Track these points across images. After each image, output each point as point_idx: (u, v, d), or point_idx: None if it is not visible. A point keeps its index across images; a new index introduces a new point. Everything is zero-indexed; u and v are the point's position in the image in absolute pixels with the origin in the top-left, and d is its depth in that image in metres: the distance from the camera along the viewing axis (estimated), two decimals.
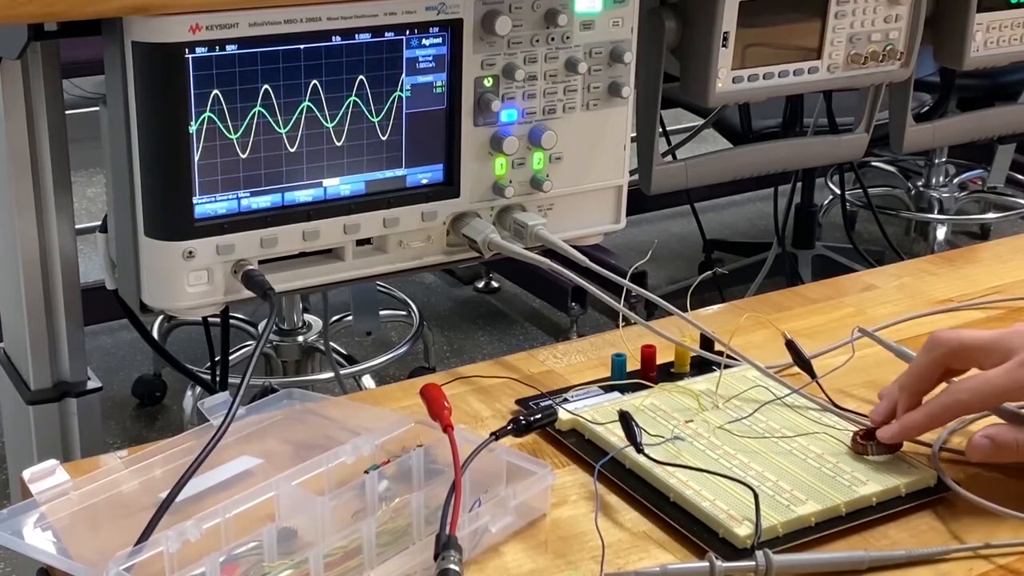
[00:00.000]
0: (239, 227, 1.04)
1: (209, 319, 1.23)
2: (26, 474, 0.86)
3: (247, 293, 1.04)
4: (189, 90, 0.99)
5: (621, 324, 1.06)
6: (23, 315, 1.15)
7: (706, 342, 1.06)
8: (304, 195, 1.07)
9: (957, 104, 2.83)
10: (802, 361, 1.02)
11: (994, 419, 0.96)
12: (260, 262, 1.06)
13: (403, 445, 0.91)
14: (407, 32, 1.06)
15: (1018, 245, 1.36)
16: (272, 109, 1.03)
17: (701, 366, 1.05)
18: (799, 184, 2.99)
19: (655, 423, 0.96)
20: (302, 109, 1.04)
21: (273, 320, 1.01)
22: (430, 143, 1.11)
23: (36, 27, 1.02)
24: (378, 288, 2.86)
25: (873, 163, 3.55)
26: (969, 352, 0.91)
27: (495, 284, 3.28)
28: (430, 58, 1.08)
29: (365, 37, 1.05)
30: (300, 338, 2.60)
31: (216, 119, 1.01)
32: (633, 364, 1.04)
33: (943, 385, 0.92)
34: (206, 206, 1.03)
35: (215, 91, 1.00)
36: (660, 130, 1.33)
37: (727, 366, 1.03)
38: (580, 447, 0.95)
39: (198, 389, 2.48)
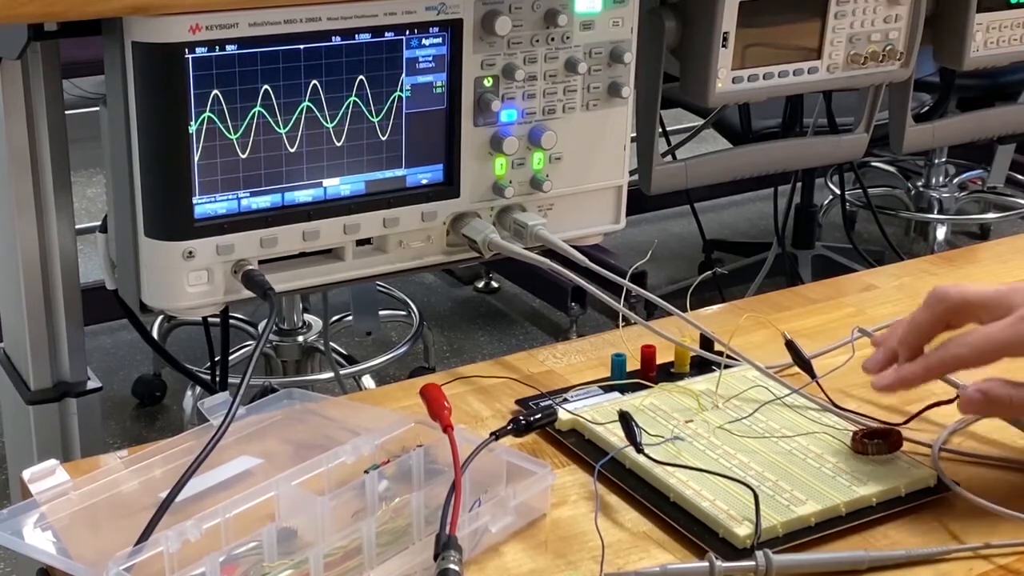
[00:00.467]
0: (239, 227, 1.04)
1: (209, 319, 1.23)
2: (26, 474, 0.86)
3: (247, 293, 1.04)
4: (189, 90, 0.99)
5: (621, 324, 1.06)
6: (23, 315, 1.15)
7: (706, 342, 1.06)
8: (304, 195, 1.07)
9: (957, 104, 2.83)
10: (802, 361, 1.02)
11: (998, 420, 0.96)
12: (260, 262, 1.06)
13: (403, 445, 0.91)
14: (407, 32, 1.06)
15: (1018, 245, 1.36)
16: (272, 109, 1.03)
17: (701, 366, 1.05)
18: (799, 184, 2.99)
19: (655, 423, 0.96)
20: (302, 109, 1.04)
21: (273, 320, 1.01)
22: (430, 143, 1.11)
23: (36, 27, 1.02)
24: (378, 288, 2.86)
25: (873, 163, 3.55)
26: (970, 308, 0.90)
27: (495, 284, 3.28)
28: (430, 58, 1.08)
29: (365, 37, 1.05)
30: (300, 338, 2.60)
31: (216, 119, 1.01)
32: (633, 364, 1.04)
33: (942, 337, 0.92)
34: (206, 206, 1.03)
35: (215, 91, 1.00)
36: (660, 130, 1.33)
37: (727, 366, 1.03)
38: (580, 447, 0.95)
39: (198, 389, 2.48)
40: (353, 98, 1.06)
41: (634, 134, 1.24)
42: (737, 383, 1.01)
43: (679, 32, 1.28)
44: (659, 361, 1.04)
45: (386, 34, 1.05)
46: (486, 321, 3.13)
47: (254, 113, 1.02)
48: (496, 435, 0.88)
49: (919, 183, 3.49)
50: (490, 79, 1.11)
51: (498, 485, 0.87)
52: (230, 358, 1.40)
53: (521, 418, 0.91)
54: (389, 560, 0.79)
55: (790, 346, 1.02)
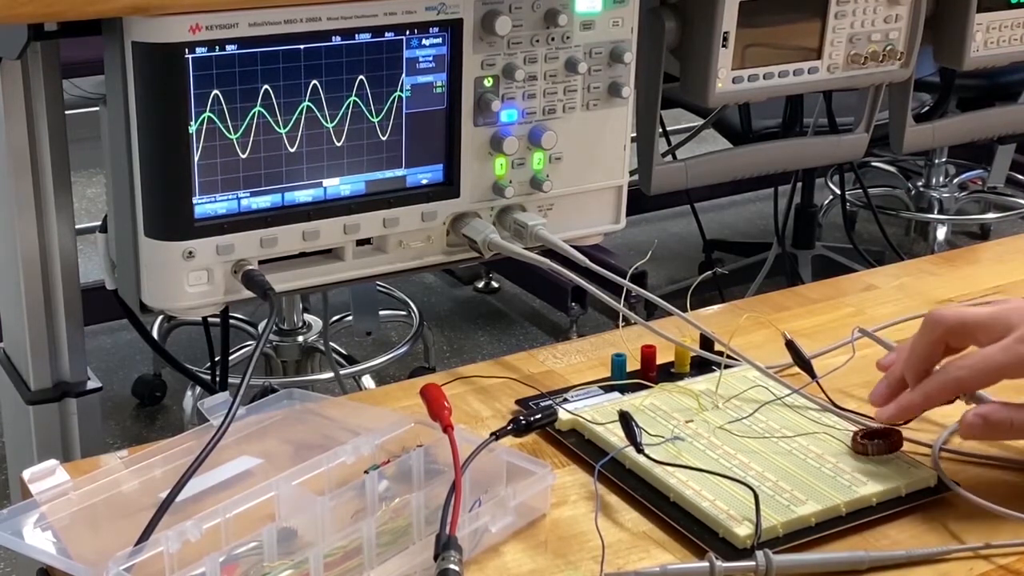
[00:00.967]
0: (239, 227, 1.04)
1: (209, 319, 1.23)
2: (26, 474, 0.86)
3: (247, 293, 1.04)
4: (189, 90, 0.99)
5: (621, 324, 1.06)
6: (23, 315, 1.15)
7: (706, 342, 1.06)
8: (304, 195, 1.07)
9: (957, 104, 2.83)
10: (802, 361, 1.02)
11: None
12: (260, 262, 1.06)
13: (403, 445, 0.91)
14: (407, 32, 1.06)
15: (1018, 245, 1.36)
16: (272, 109, 1.03)
17: (701, 366, 1.05)
18: (799, 184, 2.99)
19: (655, 423, 0.96)
20: (302, 109, 1.04)
21: (273, 320, 1.01)
22: (430, 143, 1.11)
23: (36, 27, 1.02)
24: (378, 288, 2.86)
25: (873, 163, 3.55)
26: (968, 330, 0.90)
27: (495, 284, 3.28)
28: (430, 58, 1.08)
29: (365, 37, 1.05)
30: (300, 338, 2.60)
31: (216, 119, 1.01)
32: (633, 364, 1.04)
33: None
34: (206, 206, 1.03)
35: (215, 91, 1.00)
36: (660, 130, 1.33)
37: (727, 366, 1.03)
38: (580, 447, 0.95)
39: (198, 389, 2.48)
40: (353, 98, 1.06)
41: (634, 134, 1.24)
42: (737, 383, 1.01)
43: (679, 32, 1.28)
44: (659, 361, 1.04)
45: (386, 34, 1.05)
46: (486, 321, 3.13)
47: (254, 113, 1.02)
48: (496, 435, 0.88)
49: (919, 183, 3.49)
50: (490, 79, 1.11)
51: (498, 485, 0.87)
52: (230, 358, 1.40)
53: (521, 418, 0.91)
54: (389, 560, 0.79)
55: (790, 346, 1.02)
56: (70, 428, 1.19)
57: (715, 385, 1.00)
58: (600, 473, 0.89)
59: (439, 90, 1.09)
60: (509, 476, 0.87)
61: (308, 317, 2.64)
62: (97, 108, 1.05)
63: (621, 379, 1.02)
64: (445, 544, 0.77)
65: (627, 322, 1.06)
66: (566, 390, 1.02)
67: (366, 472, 0.87)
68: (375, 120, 1.08)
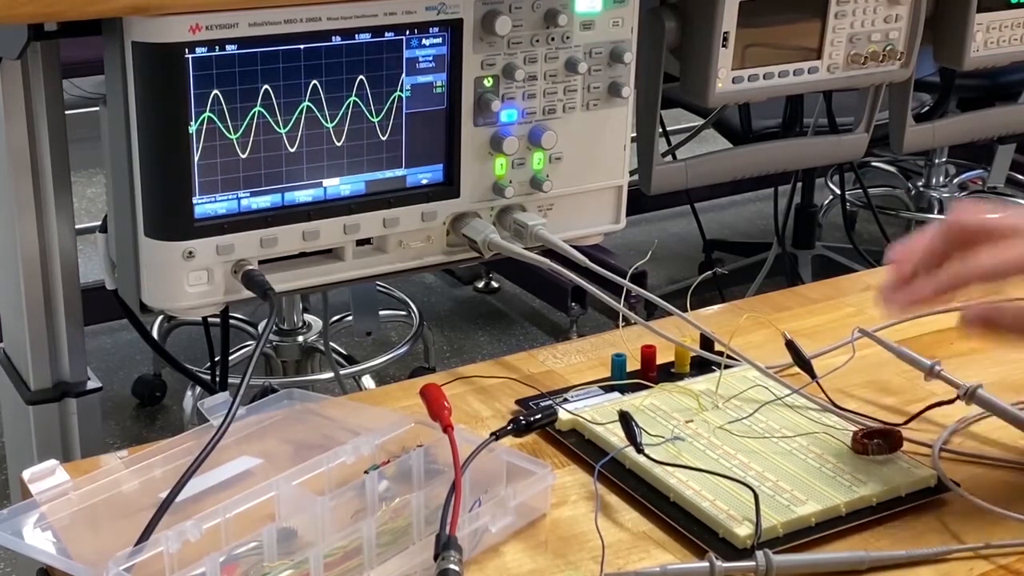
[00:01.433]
0: (239, 227, 1.04)
1: (209, 319, 1.23)
2: (26, 474, 0.86)
3: (247, 293, 1.04)
4: (189, 90, 0.99)
5: (621, 324, 1.06)
6: (23, 315, 1.15)
7: (706, 342, 1.06)
8: (304, 195, 1.07)
9: (957, 104, 2.82)
10: (802, 361, 1.02)
11: (998, 420, 0.96)
12: (260, 262, 1.06)
13: (403, 445, 0.91)
14: (407, 32, 1.06)
15: None
16: (272, 109, 1.03)
17: (701, 366, 1.05)
18: (799, 184, 2.99)
19: (655, 423, 0.95)
20: (302, 109, 1.04)
21: (273, 320, 1.01)
22: (430, 143, 1.11)
23: (36, 27, 1.02)
24: (378, 288, 2.86)
25: (873, 163, 3.55)
26: (988, 233, 0.87)
27: (495, 284, 3.28)
28: (430, 58, 1.08)
29: (365, 37, 1.05)
30: (300, 338, 2.60)
31: (216, 119, 1.01)
32: (633, 364, 1.04)
33: None
34: (206, 206, 1.03)
35: (215, 91, 1.00)
36: (660, 130, 1.33)
37: (727, 366, 1.03)
38: (580, 447, 0.95)
39: (198, 389, 2.48)
40: (353, 98, 1.06)
41: (634, 134, 1.24)
42: (737, 383, 1.01)
43: (679, 32, 1.28)
44: (659, 361, 1.04)
45: (386, 34, 1.05)
46: (486, 321, 3.13)
47: (254, 113, 1.02)
48: (496, 435, 0.88)
49: (919, 183, 3.49)
50: (490, 79, 1.11)
51: (498, 485, 0.87)
52: (230, 358, 1.40)
53: (521, 418, 0.91)
54: (389, 560, 0.79)
55: (790, 346, 1.02)
56: (70, 428, 1.20)
57: (715, 385, 1.00)
58: (600, 473, 0.89)
59: (439, 90, 1.09)
60: (509, 476, 0.87)
61: (308, 317, 2.64)
62: (97, 108, 1.05)
63: (621, 379, 1.02)
64: (445, 544, 0.77)
65: (627, 322, 1.06)
66: (566, 390, 1.02)
67: (366, 472, 0.87)
68: (375, 120, 1.08)
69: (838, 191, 3.01)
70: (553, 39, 1.12)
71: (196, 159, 1.01)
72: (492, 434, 0.88)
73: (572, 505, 0.89)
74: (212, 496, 0.86)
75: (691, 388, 1.00)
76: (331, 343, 2.59)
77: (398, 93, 1.08)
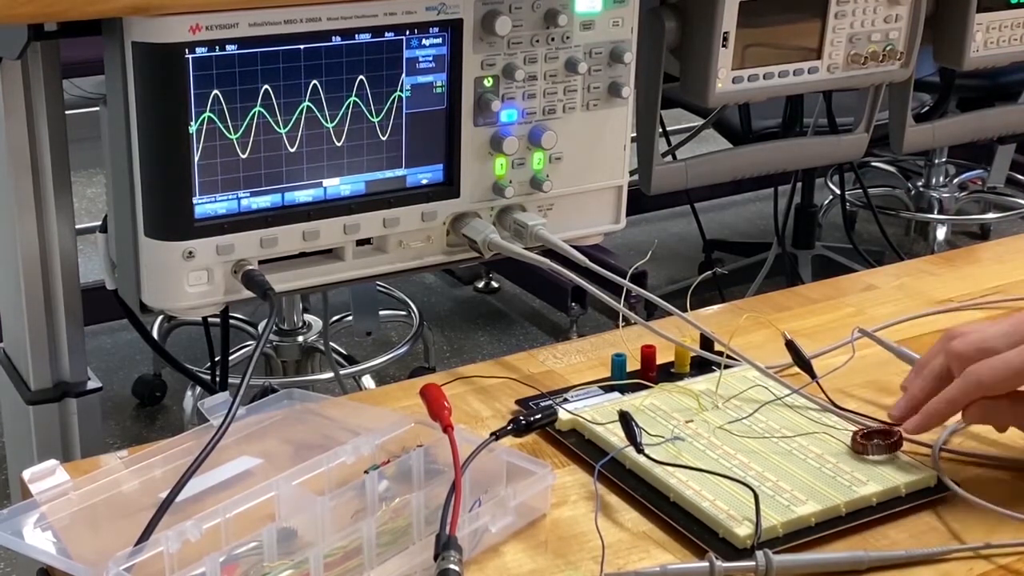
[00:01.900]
0: (239, 227, 1.04)
1: (209, 319, 1.23)
2: (26, 474, 0.86)
3: (247, 293, 1.04)
4: (189, 90, 0.99)
5: (621, 324, 1.06)
6: (23, 315, 1.15)
7: (706, 342, 1.06)
8: (304, 195, 1.07)
9: (957, 104, 2.83)
10: (802, 361, 1.02)
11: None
12: (260, 262, 1.06)
13: (403, 445, 0.91)
14: (407, 32, 1.06)
15: (1018, 245, 1.36)
16: (272, 109, 1.03)
17: (701, 366, 1.05)
18: (799, 184, 2.99)
19: (655, 423, 0.95)
20: (302, 109, 1.04)
21: (273, 320, 1.01)
22: (430, 143, 1.11)
23: (36, 27, 1.02)
24: (378, 288, 2.86)
25: (873, 163, 3.55)
26: (987, 350, 0.90)
27: (495, 284, 3.28)
28: (430, 58, 1.08)
29: (365, 37, 1.05)
30: (300, 338, 2.60)
31: (216, 119, 1.01)
32: (633, 364, 1.04)
33: None
34: (206, 206, 1.03)
35: (215, 91, 1.00)
36: (660, 130, 1.33)
37: (727, 366, 1.03)
38: (580, 447, 0.95)
39: (198, 389, 2.48)
40: (353, 98, 1.06)
41: (634, 134, 1.24)
42: (737, 383, 1.01)
43: (679, 32, 1.28)
44: (659, 361, 1.04)
45: (386, 34, 1.05)
46: (486, 321, 3.13)
47: (254, 113, 1.02)
48: (496, 435, 0.88)
49: (919, 183, 3.49)
50: (490, 79, 1.11)
51: (498, 485, 0.87)
52: (230, 358, 1.41)
53: (521, 418, 0.91)
54: (389, 560, 0.79)
55: (790, 346, 1.02)
56: (70, 428, 1.20)
57: (715, 385, 1.00)
58: (600, 473, 0.89)
59: (439, 90, 1.09)
60: (509, 476, 0.87)
61: (308, 317, 2.64)
62: (97, 108, 1.05)
63: (621, 379, 1.02)
64: (445, 544, 0.77)
65: (627, 322, 1.06)
66: (566, 390, 1.02)
67: (366, 472, 0.87)
68: (375, 120, 1.08)
69: (838, 191, 3.01)
70: (553, 39, 1.12)
71: (196, 159, 1.01)
72: (492, 434, 0.88)
73: (572, 505, 0.89)
74: (212, 496, 0.86)
75: (691, 388, 1.00)
76: (331, 343, 2.59)
77: (398, 93, 1.08)
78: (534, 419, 0.91)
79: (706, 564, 0.80)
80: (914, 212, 3.49)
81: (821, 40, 1.31)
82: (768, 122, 2.75)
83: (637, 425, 0.90)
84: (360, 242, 1.11)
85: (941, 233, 3.48)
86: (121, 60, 0.99)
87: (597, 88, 1.16)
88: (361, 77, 1.06)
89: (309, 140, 1.05)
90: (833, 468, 0.90)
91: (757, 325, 1.13)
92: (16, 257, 1.14)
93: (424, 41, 1.07)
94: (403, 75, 1.07)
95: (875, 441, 0.92)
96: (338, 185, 1.08)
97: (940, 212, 3.46)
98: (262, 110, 1.03)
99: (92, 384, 1.20)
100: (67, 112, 1.12)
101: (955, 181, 3.52)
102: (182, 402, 2.62)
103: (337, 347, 2.71)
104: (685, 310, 1.04)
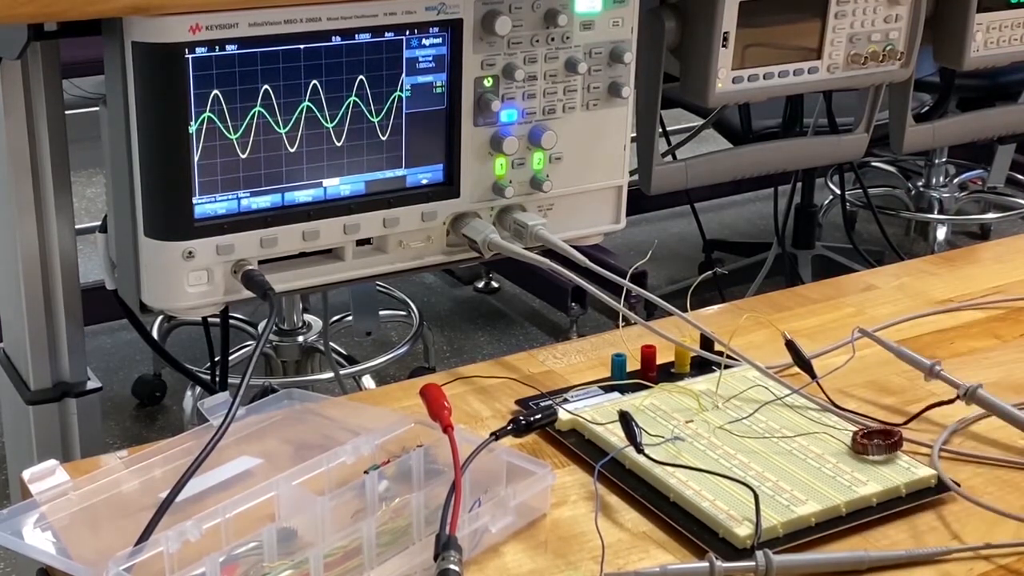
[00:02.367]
0: (239, 227, 1.04)
1: (209, 319, 1.23)
2: (26, 474, 0.86)
3: (247, 293, 1.04)
4: (189, 90, 0.99)
5: (621, 324, 1.06)
6: (23, 315, 1.15)
7: (706, 342, 1.06)
8: (304, 195, 1.07)
9: (957, 104, 2.82)
10: (802, 361, 1.02)
11: (998, 420, 0.96)
12: (260, 262, 1.06)
13: (403, 445, 0.91)
14: (407, 32, 1.06)
15: (1018, 245, 1.36)
16: (272, 109, 1.03)
17: (701, 366, 1.05)
18: (799, 184, 2.99)
19: (655, 423, 0.96)
20: (302, 109, 1.04)
21: (273, 320, 1.01)
22: (430, 143, 1.11)
23: (36, 27, 1.02)
24: (378, 288, 2.86)
25: (873, 163, 3.55)
26: None
27: (495, 284, 3.28)
28: (430, 58, 1.08)
29: (365, 37, 1.05)
30: (300, 338, 2.60)
31: (216, 119, 1.01)
32: (633, 364, 1.04)
33: None
34: (206, 206, 1.03)
35: (215, 91, 1.00)
36: (660, 130, 1.33)
37: (727, 366, 1.03)
38: (580, 447, 0.95)
39: (198, 389, 2.48)
40: (353, 98, 1.06)
41: (634, 134, 1.24)
42: (737, 383, 1.01)
43: (679, 32, 1.28)
44: (659, 361, 1.04)
45: (386, 34, 1.05)
46: (486, 321, 3.13)
47: (254, 113, 1.02)
48: (496, 435, 0.88)
49: (919, 183, 3.49)
50: (490, 79, 1.11)
51: (498, 485, 0.87)
52: (230, 358, 1.40)
53: (521, 418, 0.91)
54: (389, 560, 0.79)
55: (790, 346, 1.02)
56: (70, 428, 1.20)
57: (715, 385, 1.00)
58: (600, 473, 0.89)
59: (439, 90, 1.09)
60: (509, 476, 0.87)
61: (308, 317, 2.64)
62: (97, 108, 1.05)
63: (621, 379, 1.02)
64: (445, 544, 0.77)
65: (627, 322, 1.06)
66: (566, 390, 1.02)
67: (366, 472, 0.87)
68: (375, 120, 1.08)
69: (838, 191, 3.01)
70: (553, 39, 1.12)
71: (196, 159, 1.01)
72: (492, 434, 0.88)
73: (572, 505, 0.89)
74: (212, 496, 0.86)
75: (691, 388, 1.00)
76: (331, 343, 2.59)
77: (398, 93, 1.08)
78: (534, 419, 0.91)
79: (706, 564, 0.80)
80: (914, 212, 3.49)
81: (821, 40, 1.31)
82: (768, 122, 2.74)
83: (637, 425, 0.90)
84: (360, 242, 1.11)
85: (941, 233, 3.47)
86: (121, 60, 0.99)
87: (597, 88, 1.16)
88: (361, 77, 1.06)
89: (309, 140, 1.05)
90: (833, 468, 0.90)
91: (757, 325, 1.13)
92: (16, 257, 1.14)
93: (424, 41, 1.07)
94: (403, 75, 1.07)
95: (875, 441, 0.92)
96: (338, 185, 1.08)
97: (940, 212, 3.45)
98: (262, 110, 1.03)
99: (92, 384, 1.20)
100: (67, 112, 1.12)
101: (955, 181, 3.52)
102: (182, 402, 2.62)
103: (337, 347, 2.71)
104: (685, 310, 1.04)
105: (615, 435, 0.92)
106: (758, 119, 2.74)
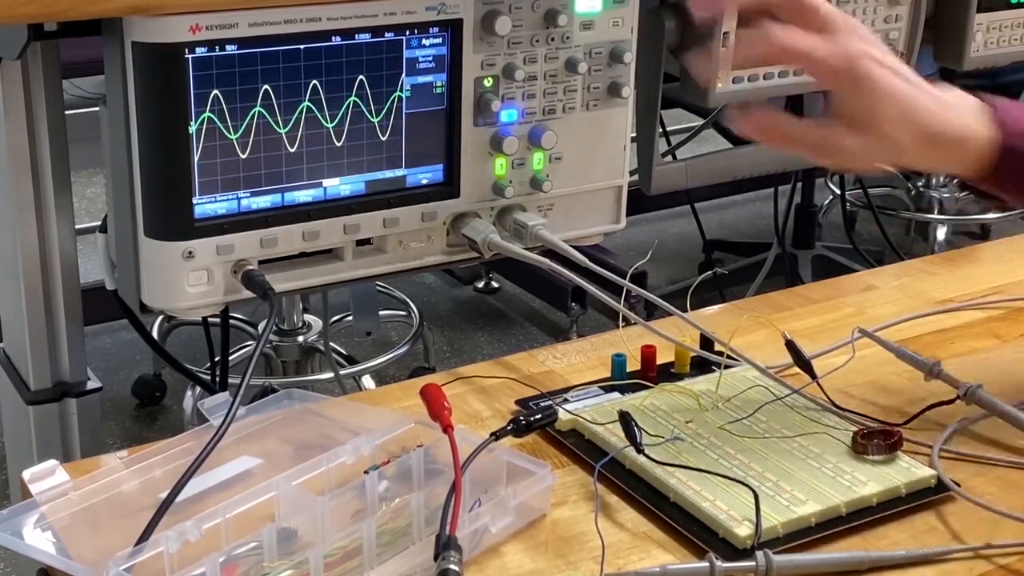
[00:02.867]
0: (239, 227, 1.04)
1: (209, 319, 1.23)
2: (26, 474, 0.86)
3: (247, 293, 1.04)
4: (189, 90, 0.99)
5: (621, 324, 1.06)
6: (23, 315, 1.15)
7: (706, 342, 1.05)
8: (304, 195, 1.07)
9: None
10: (802, 361, 1.02)
11: (998, 420, 0.96)
12: (260, 262, 1.06)
13: (403, 445, 0.91)
14: (407, 32, 1.06)
15: (1018, 245, 1.36)
16: (272, 109, 1.03)
17: (701, 366, 1.05)
18: (799, 184, 2.99)
19: (655, 423, 0.95)
20: (302, 109, 1.04)
21: (273, 320, 1.01)
22: (430, 143, 1.11)
23: (36, 27, 1.02)
24: (378, 288, 2.86)
25: None
26: (811, 18, 0.91)
27: (495, 284, 3.28)
28: (430, 58, 1.08)
29: (365, 37, 1.05)
30: (300, 338, 2.60)
31: (216, 119, 1.01)
32: (633, 364, 1.04)
33: None
34: (206, 206, 1.03)
35: (215, 91, 1.00)
36: (660, 130, 1.33)
37: (727, 366, 1.02)
38: (580, 447, 0.95)
39: (198, 389, 2.48)
40: (353, 98, 1.06)
41: (634, 134, 1.24)
42: (737, 383, 1.01)
43: (679, 32, 1.28)
44: (659, 361, 1.04)
45: (386, 34, 1.05)
46: (486, 321, 3.13)
47: (254, 113, 1.02)
48: (496, 435, 0.88)
49: (919, 183, 3.49)
50: (490, 79, 1.11)
51: (498, 485, 0.87)
52: (230, 358, 1.41)
53: (521, 418, 0.91)
54: (389, 560, 0.79)
55: (790, 346, 1.02)
56: (70, 428, 1.20)
57: (715, 385, 1.00)
58: (600, 473, 0.89)
59: (439, 90, 1.09)
60: (509, 476, 0.87)
61: (308, 317, 2.64)
62: (97, 108, 1.05)
63: (621, 379, 1.02)
64: (445, 544, 0.77)
65: (627, 322, 1.06)
66: (566, 390, 1.02)
67: (366, 472, 0.87)
68: (375, 120, 1.08)
69: (838, 191, 3.01)
70: (553, 39, 1.12)
71: (196, 159, 1.01)
72: (492, 434, 0.88)
73: (572, 505, 0.89)
74: (212, 496, 0.86)
75: (691, 388, 1.00)
76: (331, 343, 2.59)
77: (398, 93, 1.08)
78: (534, 419, 0.91)
79: (706, 564, 0.80)
80: (914, 212, 3.49)
81: None
82: None
83: (637, 425, 0.90)
84: (360, 242, 1.11)
85: (941, 233, 3.47)
86: (121, 60, 0.99)
87: (597, 88, 1.16)
88: (361, 77, 1.06)
89: (309, 140, 1.05)
90: (833, 468, 0.90)
91: (757, 325, 1.13)
92: (16, 257, 1.14)
93: (424, 41, 1.07)
94: (403, 75, 1.07)
95: (875, 441, 0.91)
96: (338, 185, 1.08)
97: (940, 212, 3.45)
98: (262, 110, 1.03)
99: (92, 384, 1.20)
100: (67, 112, 1.12)
101: (955, 181, 3.52)
102: (182, 402, 2.62)
103: (337, 347, 2.71)
104: (685, 310, 1.04)
105: (615, 435, 0.92)
106: None
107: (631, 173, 1.23)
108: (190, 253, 1.02)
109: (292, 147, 1.05)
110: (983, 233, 3.60)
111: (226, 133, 1.02)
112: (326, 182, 1.07)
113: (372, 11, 1.04)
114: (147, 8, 0.95)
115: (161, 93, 0.99)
